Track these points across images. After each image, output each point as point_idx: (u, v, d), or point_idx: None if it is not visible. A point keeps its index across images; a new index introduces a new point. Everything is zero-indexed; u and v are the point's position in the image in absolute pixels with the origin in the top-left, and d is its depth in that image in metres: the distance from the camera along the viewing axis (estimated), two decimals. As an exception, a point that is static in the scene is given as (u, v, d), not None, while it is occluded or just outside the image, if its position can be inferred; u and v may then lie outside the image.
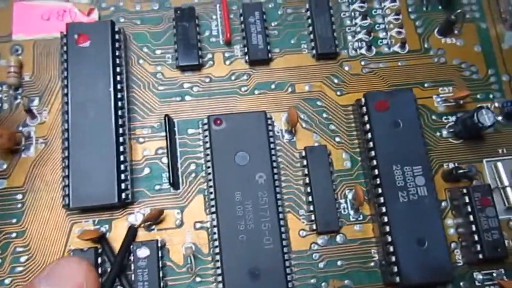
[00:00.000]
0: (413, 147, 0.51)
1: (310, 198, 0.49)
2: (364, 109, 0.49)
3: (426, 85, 0.57)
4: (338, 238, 0.52)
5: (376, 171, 0.46)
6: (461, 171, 0.50)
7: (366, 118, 0.49)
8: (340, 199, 0.52)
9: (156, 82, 0.54)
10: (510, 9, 0.56)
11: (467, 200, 0.48)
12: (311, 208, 0.50)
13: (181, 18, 0.51)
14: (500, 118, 0.53)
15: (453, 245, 0.51)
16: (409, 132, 0.52)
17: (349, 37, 0.57)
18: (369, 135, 0.48)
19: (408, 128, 0.52)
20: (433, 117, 0.55)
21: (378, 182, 0.47)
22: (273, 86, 0.55)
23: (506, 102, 0.57)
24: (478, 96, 0.56)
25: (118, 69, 0.48)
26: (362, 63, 0.57)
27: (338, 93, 0.56)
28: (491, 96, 0.56)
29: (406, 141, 0.50)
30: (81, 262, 0.42)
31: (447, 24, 0.59)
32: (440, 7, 0.59)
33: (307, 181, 0.51)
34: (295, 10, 0.58)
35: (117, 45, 0.48)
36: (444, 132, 0.54)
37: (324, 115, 0.54)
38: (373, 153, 0.48)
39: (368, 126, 0.49)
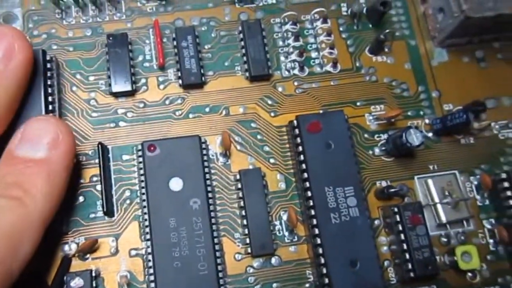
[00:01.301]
0: (345, 168, 0.51)
1: (245, 221, 0.49)
2: (297, 131, 0.49)
3: (358, 103, 0.57)
4: (273, 260, 0.52)
5: (309, 193, 0.47)
6: (392, 190, 0.51)
7: (298, 140, 0.49)
8: (275, 220, 0.52)
9: (90, 108, 0.54)
10: (437, 26, 0.57)
11: (398, 218, 0.47)
12: (246, 231, 0.49)
13: (113, 44, 0.51)
14: (430, 134, 0.53)
15: (386, 263, 0.51)
16: (341, 153, 0.52)
17: (282, 58, 0.57)
18: (302, 156, 0.48)
19: (340, 149, 0.52)
20: (366, 135, 0.55)
21: (311, 203, 0.47)
22: (207, 109, 0.55)
23: (435, 119, 0.59)
24: (409, 113, 0.57)
25: (50, 98, 0.47)
26: (295, 83, 0.57)
27: (272, 114, 0.56)
28: (421, 113, 0.56)
29: (338, 162, 0.50)
30: (48, 117, 0.44)
31: (377, 43, 0.60)
32: (370, 26, 0.60)
33: (242, 204, 0.50)
34: (228, 33, 0.58)
35: (49, 74, 0.47)
36: (377, 150, 0.54)
37: (259, 137, 0.54)
38: (305, 174, 0.48)
39: (300, 147, 0.49)
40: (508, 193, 0.49)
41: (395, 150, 0.50)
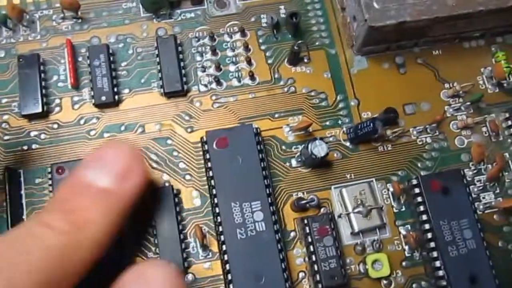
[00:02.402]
0: (252, 182, 0.51)
1: (156, 241, 0.47)
2: (206, 146, 0.48)
3: (276, 115, 0.57)
4: (189, 277, 0.52)
5: (217, 209, 0.46)
6: (303, 202, 0.51)
7: (207, 155, 0.49)
8: (190, 238, 0.52)
9: (2, 132, 0.53)
10: (354, 34, 0.57)
11: (307, 230, 0.46)
12: (157, 250, 0.48)
13: (23, 66, 0.51)
14: (348, 144, 0.53)
15: (301, 275, 0.52)
16: (248, 167, 0.51)
17: (199, 73, 0.57)
18: (211, 172, 0.48)
19: (248, 164, 0.51)
20: (283, 147, 0.55)
21: (219, 219, 0.46)
22: (122, 128, 0.54)
23: (350, 128, 0.59)
24: (328, 123, 0.57)
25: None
26: (213, 98, 0.57)
27: (189, 130, 0.55)
28: (339, 122, 0.56)
29: (245, 177, 0.49)
30: (123, 145, 0.44)
31: (293, 54, 0.60)
32: (290, 36, 0.60)
33: (153, 223, 0.48)
34: (145, 49, 0.57)
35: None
36: (293, 162, 0.54)
37: (174, 154, 0.53)
38: (214, 190, 0.47)
39: (209, 163, 0.49)
40: (419, 198, 0.47)
41: (307, 161, 0.49)
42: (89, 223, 0.38)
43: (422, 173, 0.54)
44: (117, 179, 0.41)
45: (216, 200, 0.50)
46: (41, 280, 0.34)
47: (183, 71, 0.55)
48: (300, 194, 0.54)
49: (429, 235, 0.49)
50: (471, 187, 0.54)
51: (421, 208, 0.50)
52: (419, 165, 0.55)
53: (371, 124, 0.54)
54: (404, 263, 0.51)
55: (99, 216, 0.39)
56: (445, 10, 0.52)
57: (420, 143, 0.58)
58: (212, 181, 0.50)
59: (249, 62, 0.59)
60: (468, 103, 0.53)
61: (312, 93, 0.58)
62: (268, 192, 0.49)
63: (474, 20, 0.55)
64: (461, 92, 0.54)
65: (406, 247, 0.50)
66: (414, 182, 0.50)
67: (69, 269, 0.36)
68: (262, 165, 0.52)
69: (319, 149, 0.49)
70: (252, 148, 0.53)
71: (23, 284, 0.33)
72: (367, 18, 0.50)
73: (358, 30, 0.56)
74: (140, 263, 0.42)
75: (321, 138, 0.54)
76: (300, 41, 0.59)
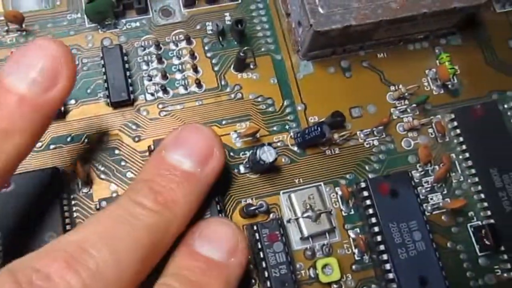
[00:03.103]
0: None
1: None
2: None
3: (223, 122, 0.57)
4: None
5: None
6: (251, 208, 0.51)
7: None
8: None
9: None
10: (299, 39, 0.57)
11: (257, 237, 0.46)
12: None
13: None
14: (295, 148, 0.53)
15: (252, 281, 0.48)
16: None
17: (146, 82, 0.56)
18: None
19: None
20: (231, 153, 0.54)
21: None
22: (69, 139, 0.53)
23: (297, 133, 0.59)
24: (275, 128, 0.56)
25: None
26: (160, 106, 0.57)
27: (136, 139, 0.54)
28: (287, 127, 0.56)
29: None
30: (230, 222, 0.45)
31: (239, 60, 0.60)
32: (236, 43, 0.60)
33: None
34: (90, 60, 0.57)
35: None
36: (242, 168, 0.53)
37: (122, 163, 0.52)
38: None
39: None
40: (368, 201, 0.47)
41: (255, 167, 0.49)
42: (175, 204, 0.41)
43: (370, 175, 0.53)
44: (200, 163, 0.43)
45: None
46: (143, 257, 0.38)
47: (129, 81, 0.54)
48: (249, 200, 0.54)
49: (379, 238, 0.49)
50: (419, 188, 0.54)
51: (370, 211, 0.50)
52: (366, 168, 0.55)
53: (319, 128, 0.54)
54: (354, 267, 0.51)
55: (182, 198, 0.42)
56: (389, 13, 0.52)
57: (368, 146, 0.58)
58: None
59: (195, 69, 0.59)
60: (414, 105, 0.53)
61: (259, 99, 0.57)
62: (217, 199, 0.48)
63: (418, 23, 0.59)
64: (406, 94, 0.54)
65: (356, 251, 0.49)
66: (363, 185, 0.50)
67: (161, 246, 0.40)
68: None
69: (267, 155, 0.50)
70: None
71: (129, 260, 0.37)
72: (312, 23, 0.50)
73: (303, 35, 0.56)
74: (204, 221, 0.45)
75: (269, 144, 0.54)
76: (245, 48, 0.60)
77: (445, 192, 0.55)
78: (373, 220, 0.50)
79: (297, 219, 0.56)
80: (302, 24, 0.57)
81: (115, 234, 0.36)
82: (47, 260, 0.33)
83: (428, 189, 0.54)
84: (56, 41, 0.43)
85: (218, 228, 0.43)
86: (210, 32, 0.63)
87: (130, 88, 0.55)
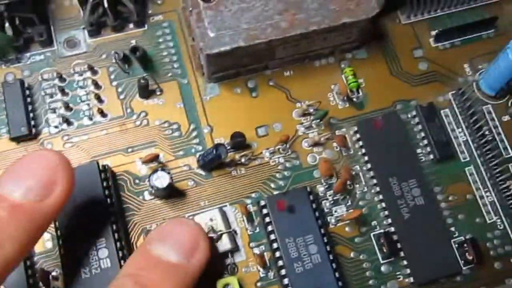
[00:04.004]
0: (99, 221, 0.52)
1: None
2: None
3: (129, 150, 0.57)
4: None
5: (62, 250, 0.46)
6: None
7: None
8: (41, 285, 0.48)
9: None
10: (203, 63, 0.58)
11: None
12: None
13: None
14: (201, 171, 0.53)
15: None
16: (95, 205, 0.53)
17: (50, 115, 0.56)
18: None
19: (94, 202, 0.53)
20: (136, 181, 0.55)
21: (65, 261, 0.46)
22: None
23: (199, 156, 0.59)
24: (181, 152, 0.57)
25: None
26: (64, 138, 0.57)
27: None
28: (193, 150, 0.57)
29: (90, 216, 0.51)
30: (191, 222, 0.47)
31: (141, 88, 0.61)
32: (142, 70, 0.60)
33: None
34: (-9, 96, 0.54)
35: None
36: (147, 195, 0.53)
37: None
38: (59, 232, 0.46)
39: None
40: (267, 219, 0.50)
41: (156, 192, 0.50)
42: None
43: (275, 193, 0.53)
44: (186, 255, 0.43)
45: (60, 242, 0.50)
46: None
47: (31, 115, 0.55)
48: (154, 226, 0.53)
49: (277, 254, 0.50)
50: (323, 202, 0.56)
51: (270, 228, 0.50)
52: (272, 185, 0.56)
53: (214, 151, 0.56)
54: (259, 284, 0.52)
55: None
56: (279, 32, 0.54)
57: (273, 163, 0.58)
58: (57, 223, 0.47)
59: (100, 99, 0.59)
60: (318, 120, 0.53)
61: (165, 125, 0.58)
62: (114, 228, 0.47)
63: (315, 39, 0.59)
64: (312, 110, 0.54)
65: (260, 268, 0.49)
66: (262, 203, 0.51)
67: None
68: (109, 202, 0.53)
69: (160, 181, 0.50)
70: (97, 185, 0.54)
71: None
72: (202, 47, 0.52)
73: (202, 59, 0.56)
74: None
75: (163, 169, 0.55)
76: (145, 75, 0.61)
77: (349, 203, 0.55)
78: (272, 236, 0.50)
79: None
80: (197, 48, 0.57)
81: None
82: None
83: (332, 202, 0.53)
84: (52, 151, 0.45)
85: (176, 229, 0.44)
86: (116, 60, 0.62)
87: (33, 122, 0.55)
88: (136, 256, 0.42)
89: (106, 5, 0.60)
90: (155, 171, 0.48)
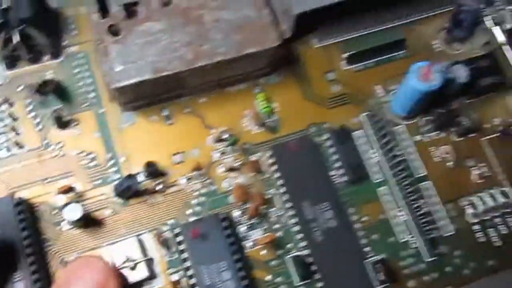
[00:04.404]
0: (13, 253, 0.53)
1: None
2: None
3: (47, 180, 0.58)
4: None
5: None
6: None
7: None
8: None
9: None
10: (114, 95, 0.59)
11: None
12: None
13: None
14: (118, 200, 0.55)
15: None
16: (9, 238, 0.53)
17: None
18: None
19: (8, 235, 0.53)
20: (54, 211, 0.56)
21: None
22: None
23: (116, 184, 0.61)
24: (98, 181, 0.59)
25: None
26: None
27: None
28: (109, 179, 0.57)
29: (6, 248, 0.50)
30: (97, 260, 0.49)
31: (56, 119, 0.63)
32: (59, 101, 0.65)
33: None
34: None
35: None
36: (65, 225, 0.54)
37: None
38: None
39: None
40: (181, 246, 0.52)
41: (72, 224, 0.51)
42: None
43: (192, 219, 0.53)
44: None
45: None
46: None
47: None
48: (74, 256, 0.54)
49: (193, 281, 0.51)
50: (239, 226, 0.56)
51: (185, 255, 0.51)
52: (188, 212, 0.57)
53: (127, 180, 0.59)
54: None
55: None
56: (185, 64, 0.58)
57: (189, 190, 0.59)
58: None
59: (17, 131, 0.63)
60: (231, 145, 0.55)
61: (82, 154, 0.58)
62: (31, 261, 0.49)
63: (224, 69, 0.61)
64: (225, 136, 0.55)
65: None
66: (176, 231, 0.52)
67: None
68: (26, 234, 0.55)
69: (72, 214, 0.51)
70: (11, 219, 0.56)
71: None
72: (108, 81, 0.53)
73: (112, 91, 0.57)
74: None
75: (77, 201, 0.56)
76: (58, 106, 0.63)
77: (266, 227, 0.56)
78: (188, 264, 0.52)
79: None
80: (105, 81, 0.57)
81: None
82: None
83: (249, 226, 0.53)
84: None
85: (83, 265, 0.48)
86: (33, 92, 0.63)
87: None
88: None
89: (17, 40, 0.63)
90: (67, 204, 0.48)
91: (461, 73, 0.55)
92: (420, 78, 0.54)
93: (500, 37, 0.58)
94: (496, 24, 0.58)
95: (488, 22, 0.58)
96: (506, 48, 0.58)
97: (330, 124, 0.61)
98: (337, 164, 0.59)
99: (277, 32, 0.55)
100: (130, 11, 0.53)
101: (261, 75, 0.67)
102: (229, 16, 0.54)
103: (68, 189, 0.53)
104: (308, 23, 0.66)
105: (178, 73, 0.58)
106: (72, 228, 0.59)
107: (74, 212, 0.55)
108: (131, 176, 0.50)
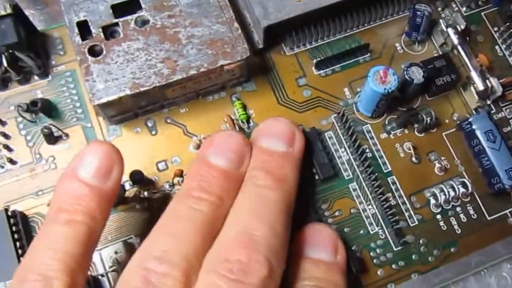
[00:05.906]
0: (7, 263, 0.53)
1: None
2: None
3: (40, 193, 0.60)
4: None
5: None
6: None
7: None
8: None
9: None
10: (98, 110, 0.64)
11: None
12: None
13: None
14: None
15: None
16: (3, 249, 0.52)
17: None
18: None
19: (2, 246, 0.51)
20: (48, 222, 0.56)
21: None
22: None
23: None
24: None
25: None
26: None
27: None
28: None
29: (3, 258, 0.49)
30: (282, 118, 0.56)
31: (46, 135, 0.65)
32: (49, 118, 0.67)
33: None
34: None
35: None
36: None
37: None
38: None
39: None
40: None
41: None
42: (288, 179, 0.55)
43: None
44: (290, 144, 0.55)
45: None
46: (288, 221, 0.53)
47: None
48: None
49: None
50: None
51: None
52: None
53: None
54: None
55: (290, 172, 0.55)
56: (161, 79, 0.61)
57: (174, 195, 0.58)
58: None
59: (9, 149, 0.64)
60: None
61: (74, 168, 0.58)
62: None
63: (200, 80, 0.65)
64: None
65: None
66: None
67: (291, 212, 0.55)
68: (19, 245, 0.54)
69: None
70: (5, 232, 0.55)
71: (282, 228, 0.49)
72: (90, 98, 0.60)
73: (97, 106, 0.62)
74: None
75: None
76: (46, 124, 0.66)
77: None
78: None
79: (106, 273, 0.61)
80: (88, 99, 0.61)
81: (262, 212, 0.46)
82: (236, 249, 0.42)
83: None
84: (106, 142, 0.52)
85: (274, 123, 0.56)
86: (21, 112, 0.67)
87: None
88: (255, 155, 0.52)
89: (5, 64, 0.66)
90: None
91: (416, 75, 0.58)
92: (378, 81, 0.56)
93: (454, 38, 0.62)
94: (450, 26, 0.62)
95: (444, 24, 0.62)
96: (460, 48, 0.61)
97: (303, 127, 0.61)
98: (310, 163, 0.57)
99: (247, 44, 0.57)
100: (109, 32, 0.56)
101: (238, 83, 0.71)
102: (201, 32, 0.57)
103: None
104: (277, 34, 0.70)
105: (155, 88, 0.62)
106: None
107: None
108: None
